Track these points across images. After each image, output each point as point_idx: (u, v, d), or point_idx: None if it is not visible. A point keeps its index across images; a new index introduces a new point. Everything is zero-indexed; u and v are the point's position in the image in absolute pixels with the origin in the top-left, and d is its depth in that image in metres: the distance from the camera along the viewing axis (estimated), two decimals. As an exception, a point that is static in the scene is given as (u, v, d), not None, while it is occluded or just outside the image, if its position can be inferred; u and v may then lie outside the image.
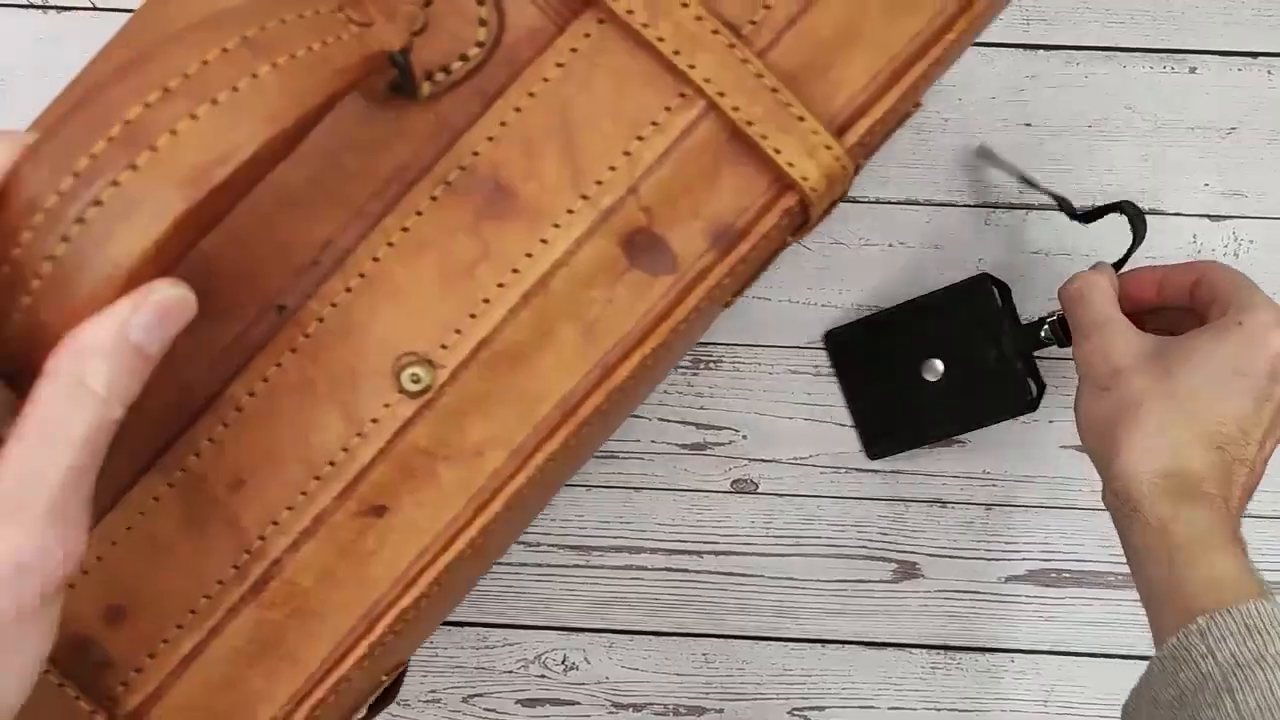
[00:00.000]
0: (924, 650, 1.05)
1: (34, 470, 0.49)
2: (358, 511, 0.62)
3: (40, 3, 1.06)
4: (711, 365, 1.05)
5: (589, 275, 0.63)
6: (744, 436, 1.05)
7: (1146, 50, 1.02)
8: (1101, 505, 1.02)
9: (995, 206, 1.03)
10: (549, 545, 1.05)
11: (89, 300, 0.50)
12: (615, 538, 1.05)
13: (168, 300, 0.51)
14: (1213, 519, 0.78)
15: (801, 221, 0.67)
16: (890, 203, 1.04)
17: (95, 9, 1.05)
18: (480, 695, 1.06)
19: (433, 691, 1.06)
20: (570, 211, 0.62)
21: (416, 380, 0.62)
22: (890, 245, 1.04)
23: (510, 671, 1.06)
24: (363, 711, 0.76)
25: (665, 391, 1.04)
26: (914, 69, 0.64)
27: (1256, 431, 0.81)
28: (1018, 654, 1.05)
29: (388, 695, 0.79)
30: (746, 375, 1.05)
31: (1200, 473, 0.80)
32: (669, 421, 1.05)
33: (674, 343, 0.66)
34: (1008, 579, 1.05)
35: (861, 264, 1.04)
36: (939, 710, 1.05)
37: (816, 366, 1.05)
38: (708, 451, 1.05)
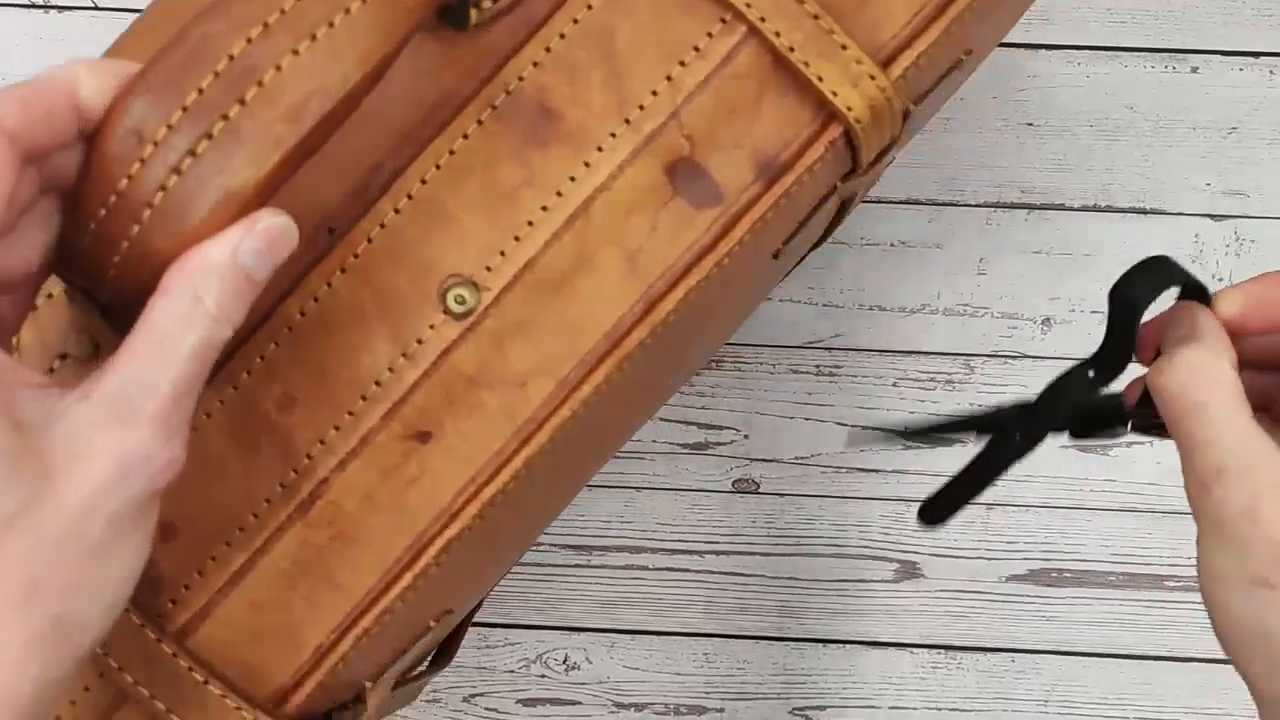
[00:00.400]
0: (925, 650, 1.05)
1: (145, 378, 0.50)
2: (403, 435, 0.62)
3: (41, 2, 1.06)
4: (713, 364, 1.05)
5: (631, 202, 0.63)
6: (745, 436, 1.05)
7: (1147, 50, 1.04)
8: (1104, 505, 1.03)
9: (997, 206, 1.04)
10: (550, 545, 1.05)
11: (199, 229, 0.52)
12: (617, 537, 1.05)
13: (275, 228, 0.53)
14: None
15: (851, 165, 0.67)
16: (892, 202, 1.05)
17: (96, 9, 1.05)
18: (481, 695, 1.05)
19: (433, 690, 1.05)
20: (613, 135, 0.63)
21: (461, 301, 0.62)
22: (892, 245, 1.05)
23: (511, 671, 1.05)
24: (423, 665, 0.75)
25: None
26: (957, 2, 0.65)
27: None
28: (1019, 654, 1.05)
29: (445, 653, 0.79)
30: (748, 375, 1.05)
31: None
32: (670, 421, 1.05)
33: (722, 285, 0.67)
34: (1009, 578, 1.05)
35: (863, 263, 1.05)
36: (940, 710, 1.05)
37: (818, 366, 1.05)
38: (709, 451, 1.05)
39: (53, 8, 1.05)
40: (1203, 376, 0.58)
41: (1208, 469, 0.56)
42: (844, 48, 0.63)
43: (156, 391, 0.50)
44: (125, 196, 0.52)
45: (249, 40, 0.52)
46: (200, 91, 0.51)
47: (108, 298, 0.54)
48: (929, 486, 1.03)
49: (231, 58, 0.52)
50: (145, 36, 0.64)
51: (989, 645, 1.05)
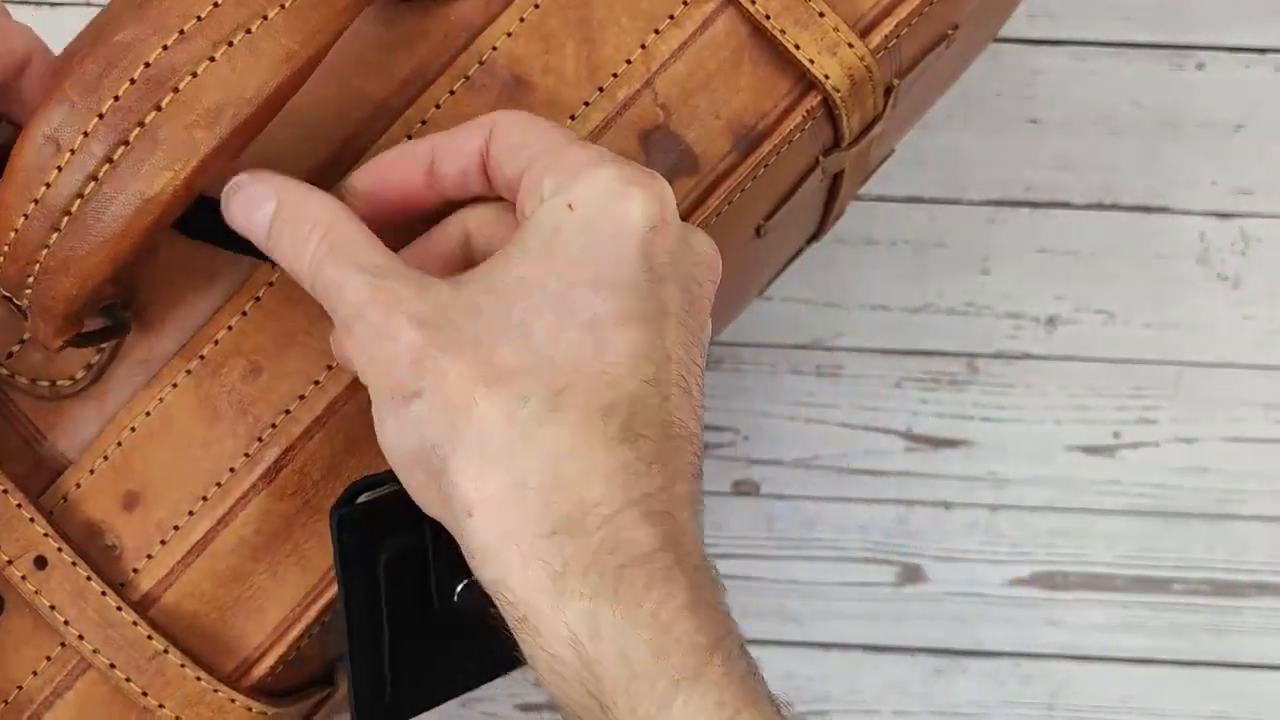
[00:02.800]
0: (928, 654, 1.04)
1: None
2: (369, 403, 0.61)
3: None
4: (712, 365, 1.04)
5: None
6: (745, 438, 1.04)
7: (1153, 46, 1.03)
8: (1107, 507, 1.02)
9: (1001, 204, 1.03)
10: (548, 545, 1.04)
11: (119, 237, 0.53)
12: (615, 538, 1.04)
13: None
14: (661, 599, 0.50)
15: (833, 137, 0.67)
16: (894, 200, 1.04)
17: (90, 3, 1.05)
18: (478, 699, 1.04)
19: (427, 694, 1.04)
20: (586, 104, 0.62)
21: (434, 271, 0.62)
22: (894, 244, 1.04)
23: (509, 675, 1.04)
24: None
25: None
26: (937, -32, 0.64)
27: (672, 369, 0.53)
28: (1023, 658, 1.04)
29: None
30: (748, 375, 1.04)
31: (606, 500, 0.50)
32: (670, 422, 1.04)
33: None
34: (1013, 582, 1.04)
35: (864, 263, 1.04)
36: (943, 715, 1.03)
37: (818, 366, 1.04)
38: (709, 453, 1.04)
39: (46, 3, 1.05)
40: (295, 221, 0.55)
41: (343, 319, 0.54)
42: (821, 15, 0.62)
43: None
44: (43, 204, 0.53)
45: (165, 47, 0.53)
46: (116, 98, 0.52)
47: (29, 305, 0.55)
48: (933, 488, 1.03)
49: (148, 64, 0.52)
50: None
51: (992, 649, 1.04)
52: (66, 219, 0.53)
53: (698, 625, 0.49)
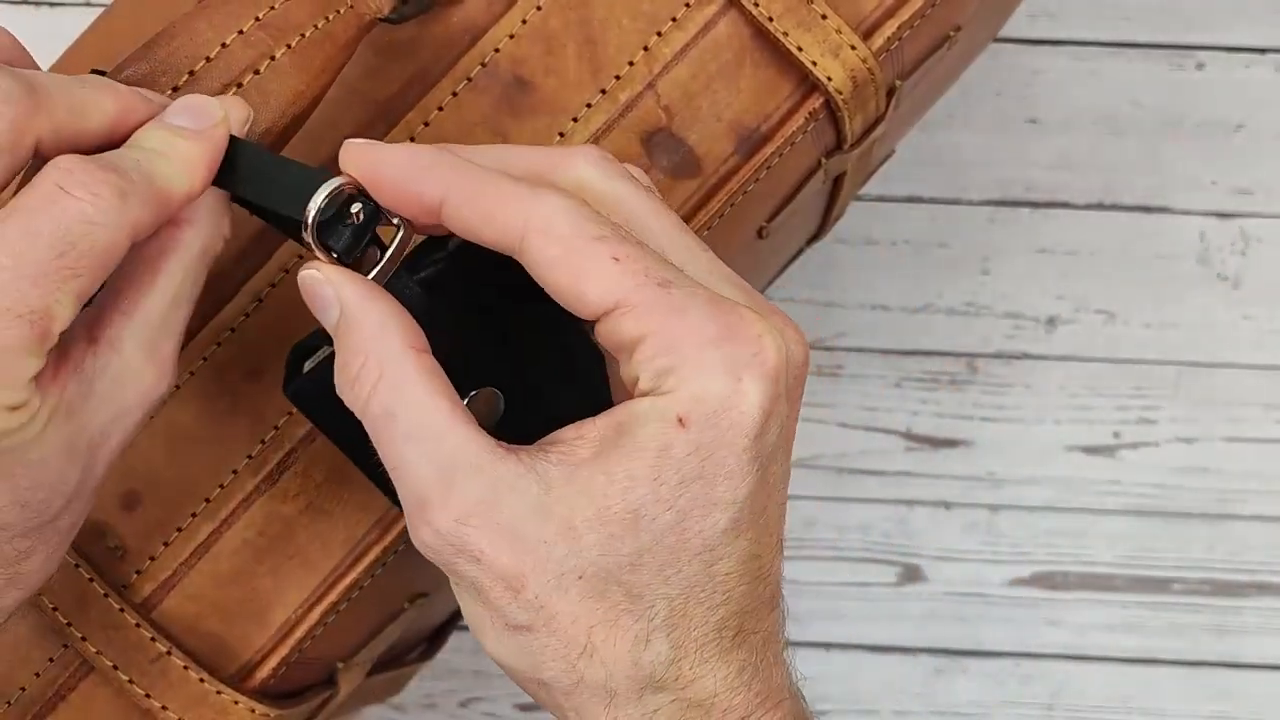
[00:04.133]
0: (928, 655, 1.04)
1: None
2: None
3: None
4: (713, 365, 1.04)
5: None
6: (746, 437, 1.04)
7: (1153, 46, 1.03)
8: (1107, 507, 1.01)
9: (1001, 204, 1.03)
10: (547, 545, 1.04)
11: None
12: (615, 539, 1.04)
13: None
14: None
15: (835, 138, 0.67)
16: (894, 199, 1.04)
17: (89, 4, 1.05)
18: (477, 699, 1.04)
19: (429, 696, 1.04)
20: (589, 106, 0.63)
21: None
22: (894, 243, 1.04)
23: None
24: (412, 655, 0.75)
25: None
26: (939, -31, 0.64)
27: (773, 539, 0.52)
28: (1023, 658, 1.03)
29: (431, 644, 0.81)
30: (749, 375, 1.04)
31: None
32: (670, 422, 1.04)
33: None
34: (1013, 582, 1.04)
35: (865, 262, 1.04)
36: (943, 715, 1.03)
37: (818, 366, 1.04)
38: (709, 452, 1.04)
39: (45, 4, 1.05)
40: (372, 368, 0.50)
41: (416, 498, 0.50)
42: (824, 17, 0.62)
43: None
44: None
45: (175, 89, 0.53)
46: None
47: None
48: (933, 488, 1.03)
49: None
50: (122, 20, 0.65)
51: (992, 650, 1.04)
52: None
53: None
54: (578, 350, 0.55)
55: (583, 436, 0.49)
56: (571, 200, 0.49)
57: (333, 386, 0.51)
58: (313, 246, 0.50)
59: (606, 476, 0.48)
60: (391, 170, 0.50)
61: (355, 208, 0.50)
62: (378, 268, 0.51)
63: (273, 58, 0.54)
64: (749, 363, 0.49)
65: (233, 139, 0.51)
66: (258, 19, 0.55)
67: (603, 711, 0.50)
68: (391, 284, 0.52)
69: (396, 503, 0.51)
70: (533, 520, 0.48)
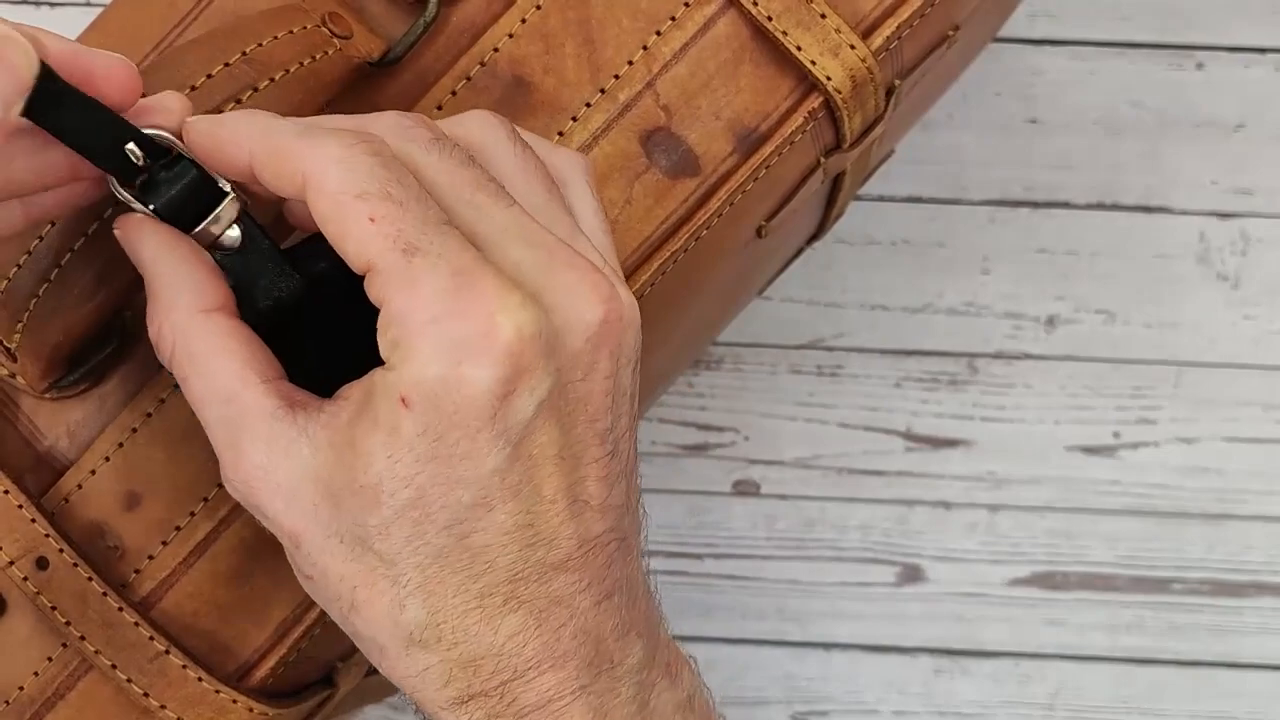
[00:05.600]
0: (928, 654, 1.04)
1: None
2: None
3: (35, -1, 1.06)
4: (712, 365, 1.04)
5: (606, 172, 0.63)
6: (745, 438, 1.04)
7: (1153, 46, 1.03)
8: (1107, 507, 1.01)
9: (1001, 204, 1.03)
10: (547, 545, 1.04)
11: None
12: (615, 539, 1.04)
13: None
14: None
15: (835, 138, 0.67)
16: (894, 199, 1.04)
17: (89, 4, 1.05)
18: (475, 698, 1.04)
19: (427, 694, 1.04)
20: (588, 105, 0.63)
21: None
22: (894, 243, 1.04)
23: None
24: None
25: (665, 391, 1.03)
26: (938, -32, 0.64)
27: (552, 515, 0.51)
28: (1023, 658, 1.03)
29: None
30: (748, 375, 1.04)
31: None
32: (669, 422, 1.04)
33: (701, 260, 0.66)
34: (1013, 582, 1.04)
35: (865, 262, 1.04)
36: (944, 715, 1.03)
37: (819, 366, 1.04)
38: (708, 453, 1.04)
39: (45, 3, 1.05)
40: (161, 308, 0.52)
41: (219, 458, 0.53)
42: (823, 16, 0.62)
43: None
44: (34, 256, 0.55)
45: None
46: None
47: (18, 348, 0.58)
48: (933, 488, 1.03)
49: None
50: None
51: (993, 650, 1.04)
52: (56, 271, 0.54)
53: None
54: None
55: (347, 398, 0.50)
56: (352, 150, 0.49)
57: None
58: (117, 193, 0.51)
59: (353, 449, 0.49)
60: (196, 134, 0.51)
61: (180, 168, 0.51)
62: (232, 239, 0.52)
63: (255, 89, 0.55)
64: (473, 344, 0.47)
65: (57, 80, 0.47)
66: (244, 54, 0.56)
67: (379, 661, 0.53)
68: (256, 264, 0.52)
69: None
70: (304, 483, 0.50)
